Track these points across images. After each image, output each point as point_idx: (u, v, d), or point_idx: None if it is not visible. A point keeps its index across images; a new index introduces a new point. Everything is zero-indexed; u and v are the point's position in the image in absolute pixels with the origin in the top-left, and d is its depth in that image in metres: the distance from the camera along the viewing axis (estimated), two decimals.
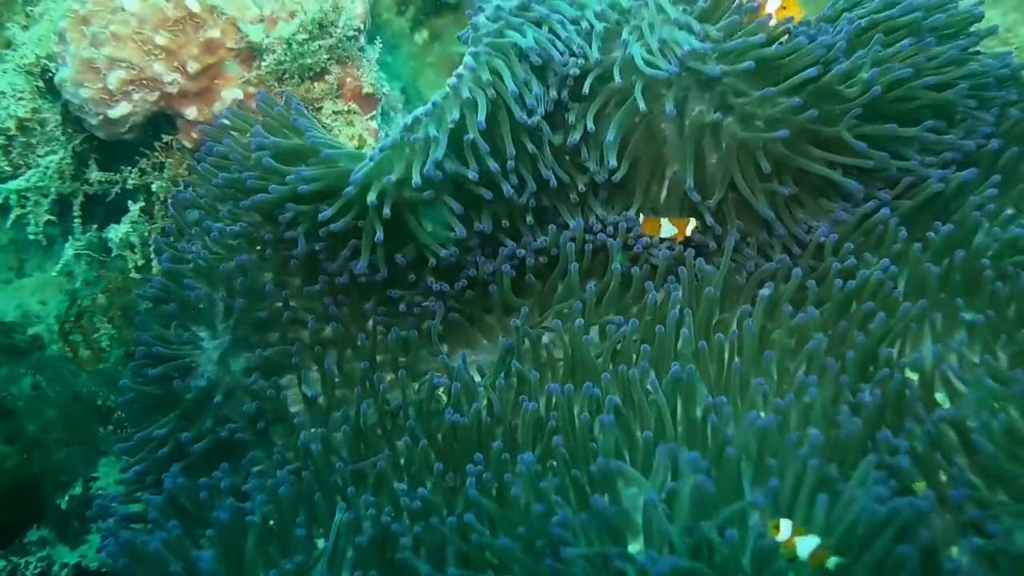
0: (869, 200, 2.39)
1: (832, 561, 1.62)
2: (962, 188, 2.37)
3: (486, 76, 2.28)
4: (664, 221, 2.46)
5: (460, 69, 2.31)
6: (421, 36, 3.63)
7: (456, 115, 2.24)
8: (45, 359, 3.73)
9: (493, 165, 2.29)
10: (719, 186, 2.43)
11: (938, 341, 2.12)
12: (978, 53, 2.46)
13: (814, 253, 2.42)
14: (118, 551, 2.04)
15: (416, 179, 2.23)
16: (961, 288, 2.17)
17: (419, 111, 2.32)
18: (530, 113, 2.32)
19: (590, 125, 2.40)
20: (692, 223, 2.46)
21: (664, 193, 2.52)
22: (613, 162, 2.42)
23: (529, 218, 2.52)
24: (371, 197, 2.24)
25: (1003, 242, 2.19)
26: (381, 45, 2.98)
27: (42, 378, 3.74)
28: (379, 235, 2.30)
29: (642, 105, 2.33)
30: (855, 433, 1.87)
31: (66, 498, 3.68)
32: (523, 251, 2.51)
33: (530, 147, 2.38)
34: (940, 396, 2.02)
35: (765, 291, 2.29)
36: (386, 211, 2.26)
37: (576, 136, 2.44)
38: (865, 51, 2.29)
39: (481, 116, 2.24)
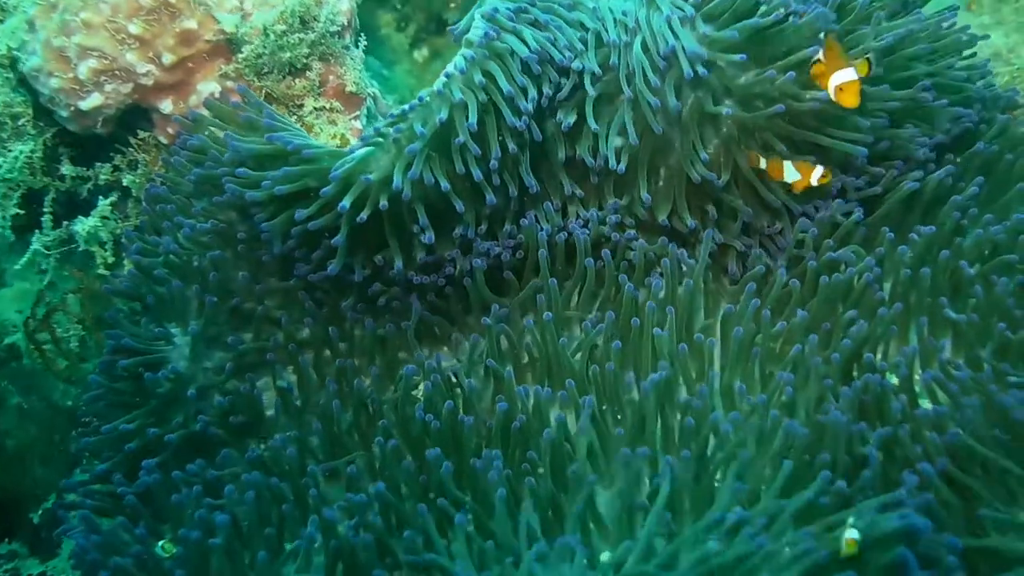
0: (863, 174, 2.37)
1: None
2: (944, 188, 2.35)
3: (478, 78, 2.23)
4: (787, 164, 2.29)
5: (450, 68, 2.26)
6: (421, 53, 3.65)
7: (444, 115, 2.20)
8: (22, 370, 3.65)
9: (477, 174, 2.25)
10: (723, 170, 2.39)
11: (922, 345, 2.09)
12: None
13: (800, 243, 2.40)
14: (88, 547, 1.96)
15: (397, 181, 2.18)
16: (945, 291, 2.15)
17: (405, 106, 2.27)
18: (520, 115, 2.28)
19: (592, 124, 2.37)
20: (819, 170, 2.27)
21: (662, 182, 2.48)
22: (616, 164, 2.39)
23: (508, 225, 2.47)
24: (345, 202, 2.18)
25: (983, 244, 2.17)
26: (366, 43, 2.95)
27: (19, 389, 3.66)
28: (340, 239, 2.24)
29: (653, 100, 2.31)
30: (833, 426, 1.83)
31: (39, 512, 3.58)
32: (498, 248, 2.46)
33: (515, 149, 2.33)
34: (925, 402, 2.00)
35: (755, 301, 2.23)
36: (362, 216, 2.21)
37: (571, 120, 2.41)
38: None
39: (473, 119, 2.20)
